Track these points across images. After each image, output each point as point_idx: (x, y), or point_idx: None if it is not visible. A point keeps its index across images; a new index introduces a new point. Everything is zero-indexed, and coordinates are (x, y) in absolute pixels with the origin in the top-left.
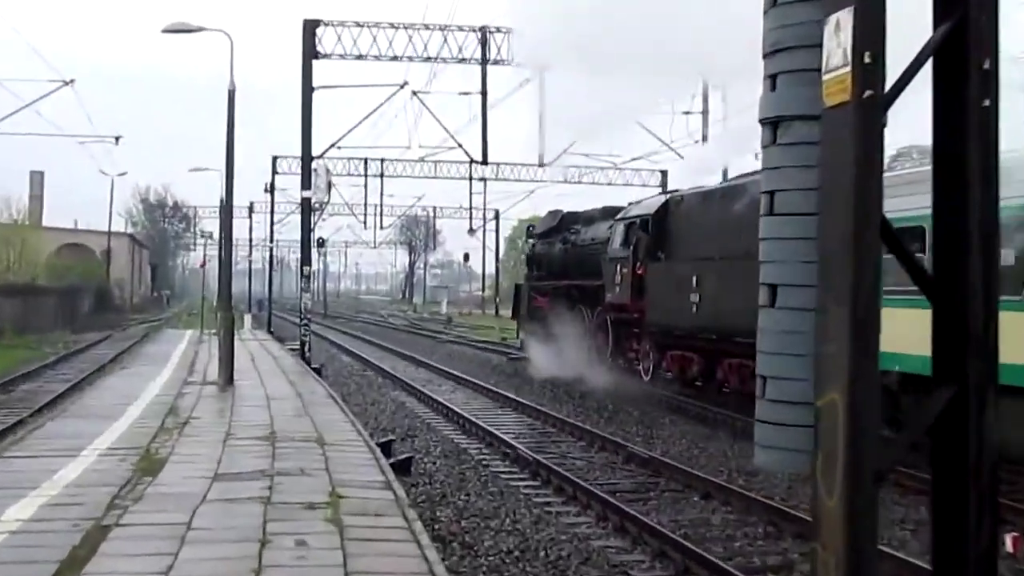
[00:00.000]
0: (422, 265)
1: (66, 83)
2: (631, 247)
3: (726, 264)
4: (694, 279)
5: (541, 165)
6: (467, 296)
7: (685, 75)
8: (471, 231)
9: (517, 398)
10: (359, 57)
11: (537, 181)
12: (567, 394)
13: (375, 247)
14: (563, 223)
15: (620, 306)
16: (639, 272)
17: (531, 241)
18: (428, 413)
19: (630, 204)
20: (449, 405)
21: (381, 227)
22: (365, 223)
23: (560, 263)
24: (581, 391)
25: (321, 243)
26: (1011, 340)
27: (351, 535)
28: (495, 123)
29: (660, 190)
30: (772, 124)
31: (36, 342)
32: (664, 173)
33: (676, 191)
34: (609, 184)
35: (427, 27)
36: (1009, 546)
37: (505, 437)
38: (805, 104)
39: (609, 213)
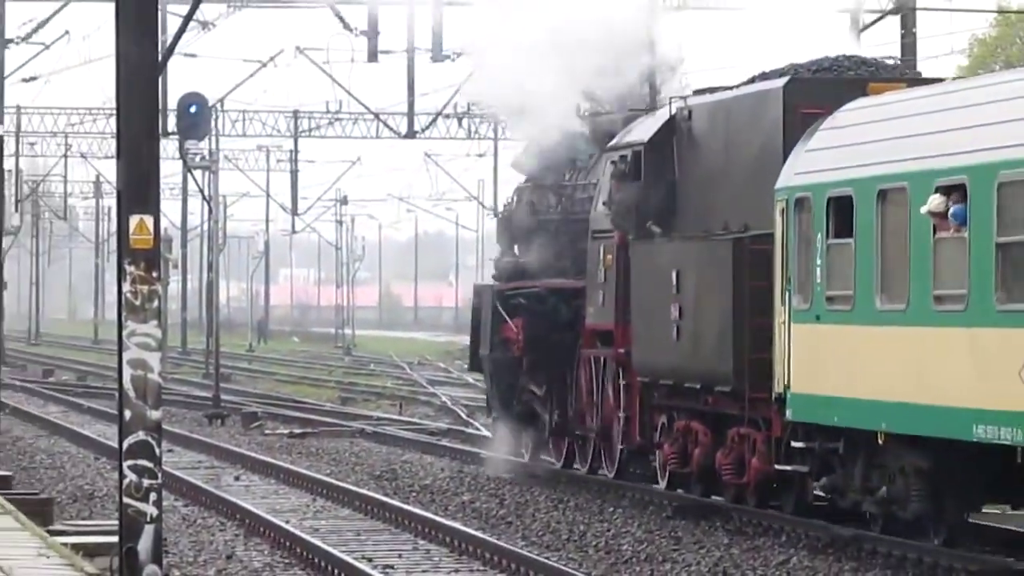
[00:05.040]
0: None
1: None
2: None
3: (710, 248)
4: (674, 276)
5: None
6: None
7: None
8: None
9: None
10: None
11: None
12: None
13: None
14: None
15: (604, 334)
16: (622, 262)
17: (517, 186)
18: None
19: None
20: None
21: None
22: None
23: (552, 237)
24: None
25: None
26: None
27: None
28: None
29: None
30: None
31: None
32: None
33: (701, 91)
34: None
35: None
36: None
37: None
38: None
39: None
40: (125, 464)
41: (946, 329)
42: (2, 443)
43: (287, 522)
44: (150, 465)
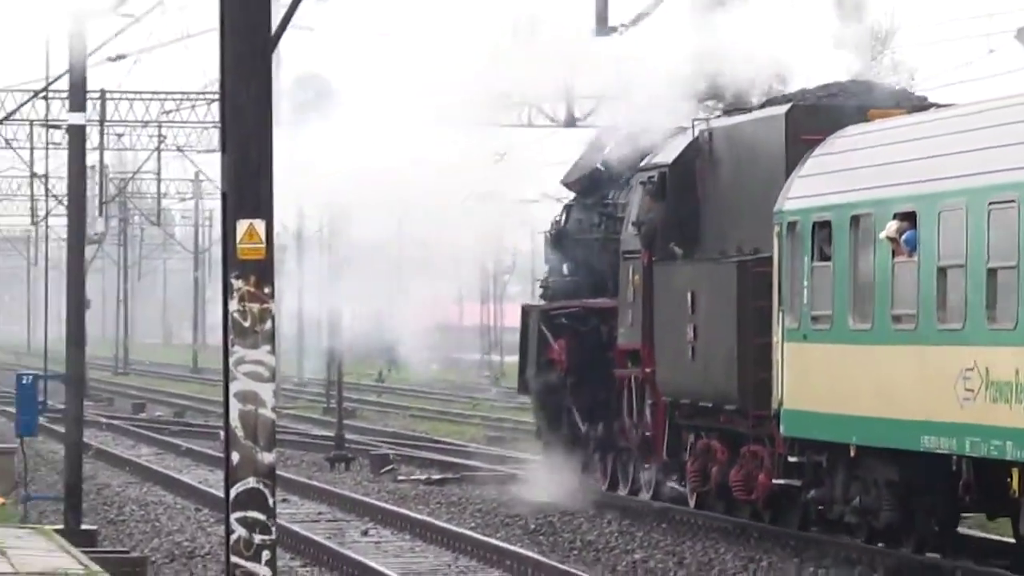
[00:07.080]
0: None
1: None
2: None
3: (717, 270)
4: (689, 297)
5: None
6: None
7: None
8: None
9: None
10: None
11: None
12: None
13: None
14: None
15: (633, 354)
16: (647, 283)
17: (563, 203)
18: None
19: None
20: None
21: None
22: None
23: (596, 256)
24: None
25: None
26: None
27: None
28: None
29: None
30: None
31: None
32: None
33: (720, 114)
34: None
35: None
36: None
37: None
38: None
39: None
40: (232, 517)
41: (900, 347)
42: (86, 492)
43: None
44: (262, 518)
